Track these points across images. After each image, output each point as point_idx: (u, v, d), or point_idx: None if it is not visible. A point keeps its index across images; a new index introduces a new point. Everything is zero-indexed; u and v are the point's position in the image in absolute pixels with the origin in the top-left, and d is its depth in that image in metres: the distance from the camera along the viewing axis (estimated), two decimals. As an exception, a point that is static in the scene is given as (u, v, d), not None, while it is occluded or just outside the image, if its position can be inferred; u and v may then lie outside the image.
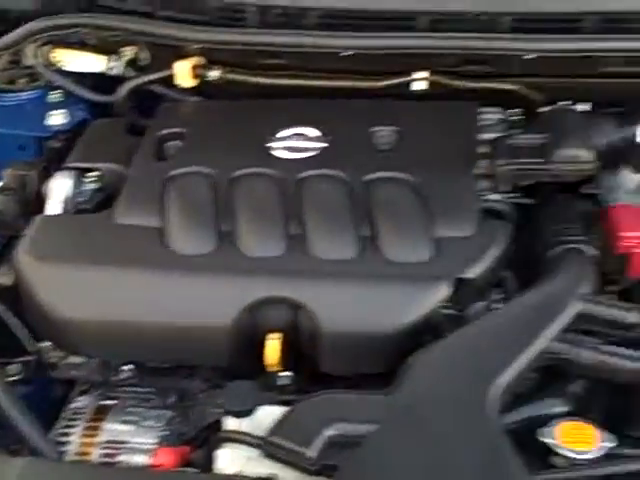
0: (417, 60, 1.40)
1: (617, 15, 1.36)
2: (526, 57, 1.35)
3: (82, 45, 1.53)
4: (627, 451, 1.03)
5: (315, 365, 1.14)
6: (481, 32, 1.37)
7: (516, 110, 1.44)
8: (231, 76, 1.45)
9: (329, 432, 0.96)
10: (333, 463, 0.94)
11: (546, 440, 1.01)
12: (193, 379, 1.22)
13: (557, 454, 1.00)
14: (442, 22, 1.39)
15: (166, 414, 1.18)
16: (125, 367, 1.22)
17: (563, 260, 1.19)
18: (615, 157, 1.38)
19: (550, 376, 1.11)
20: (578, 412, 1.09)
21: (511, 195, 1.33)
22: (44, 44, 1.52)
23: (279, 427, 0.99)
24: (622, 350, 1.06)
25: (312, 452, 0.95)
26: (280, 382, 1.15)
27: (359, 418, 0.97)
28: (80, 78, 1.52)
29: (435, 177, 1.25)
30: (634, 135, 1.40)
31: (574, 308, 1.09)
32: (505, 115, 1.42)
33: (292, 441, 0.96)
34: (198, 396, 1.21)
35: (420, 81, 1.42)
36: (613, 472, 0.98)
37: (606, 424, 1.06)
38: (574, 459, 0.99)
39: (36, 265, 1.18)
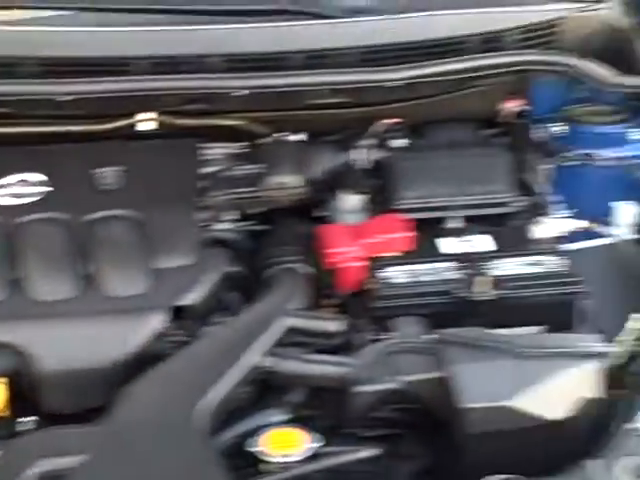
0: (140, 102, 1.46)
1: (320, 52, 1.49)
2: (238, 94, 1.44)
3: None
4: (333, 449, 1.12)
5: (41, 407, 1.16)
6: (197, 73, 1.46)
7: (243, 144, 1.53)
8: None
9: (37, 468, 0.99)
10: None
11: (252, 449, 1.09)
12: None
13: (264, 461, 1.08)
14: (160, 65, 1.47)
15: None
16: None
17: (276, 279, 1.29)
18: (338, 181, 1.51)
19: (270, 389, 1.20)
20: (300, 420, 1.18)
21: (243, 223, 1.44)
22: None
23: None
24: (322, 357, 1.17)
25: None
26: (21, 427, 1.17)
27: (70, 451, 1.01)
28: None
29: (156, 212, 1.32)
30: (349, 160, 1.54)
31: (283, 323, 1.19)
32: (232, 149, 1.51)
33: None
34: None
35: (146, 122, 1.49)
36: (315, 469, 1.07)
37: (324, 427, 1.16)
38: (280, 463, 1.07)
39: None
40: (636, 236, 1.54)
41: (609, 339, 1.27)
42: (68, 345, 1.16)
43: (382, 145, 1.54)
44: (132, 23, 1.46)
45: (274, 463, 1.07)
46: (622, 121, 1.62)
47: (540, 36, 1.59)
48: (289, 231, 1.42)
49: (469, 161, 1.50)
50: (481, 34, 1.54)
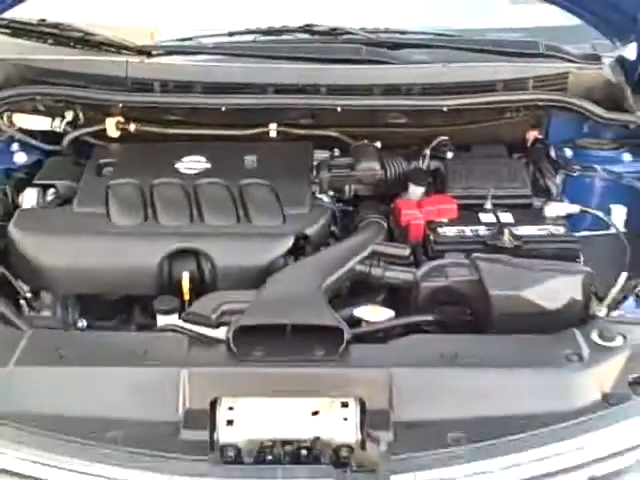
0: (269, 115, 2.23)
1: (393, 85, 2.26)
2: (335, 108, 2.21)
3: (34, 110, 2.28)
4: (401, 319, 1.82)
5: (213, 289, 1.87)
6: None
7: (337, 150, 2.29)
8: (143, 128, 2.24)
9: (222, 307, 1.70)
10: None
11: (356, 314, 1.78)
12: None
13: (364, 320, 1.78)
14: (284, 90, 2.25)
15: None
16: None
17: (366, 226, 2.02)
18: (405, 179, 2.23)
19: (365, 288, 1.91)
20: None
21: (341, 204, 2.18)
22: (5, 111, 2.26)
23: (194, 307, 1.72)
24: (396, 267, 1.88)
25: (213, 316, 1.69)
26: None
27: (240, 300, 1.71)
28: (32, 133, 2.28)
29: (284, 182, 2.06)
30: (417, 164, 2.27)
31: (371, 247, 1.90)
32: (330, 153, 2.27)
33: (201, 310, 1.70)
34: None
35: (273, 130, 2.26)
36: (390, 325, 1.78)
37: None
38: (372, 322, 1.77)
39: (21, 235, 1.90)
40: (625, 230, 2.23)
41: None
42: (231, 252, 1.88)
43: (437, 157, 2.28)
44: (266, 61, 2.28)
45: (369, 321, 1.77)
46: (616, 149, 2.34)
47: (552, 84, 2.35)
48: (374, 205, 2.15)
49: (498, 168, 2.22)
50: (507, 80, 2.30)
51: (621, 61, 2.47)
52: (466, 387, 1.59)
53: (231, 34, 2.39)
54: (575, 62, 2.41)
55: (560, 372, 1.61)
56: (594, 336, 1.69)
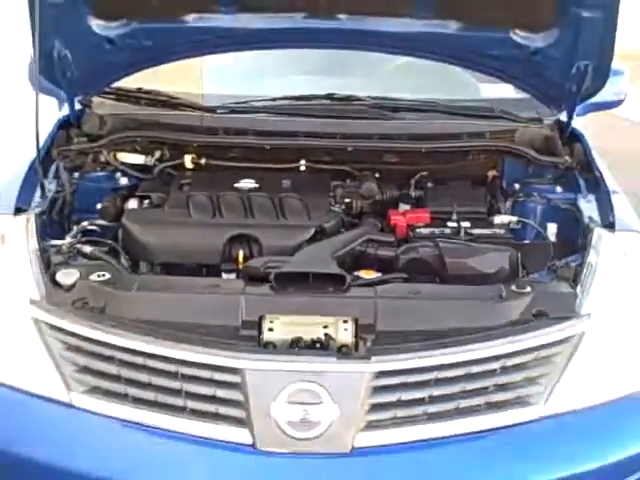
0: (300, 152, 3.23)
1: (389, 134, 3.27)
2: (348, 150, 3.22)
3: (132, 150, 3.31)
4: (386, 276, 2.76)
5: None
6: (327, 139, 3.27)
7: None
8: (210, 162, 3.24)
9: (268, 264, 2.65)
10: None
11: (356, 274, 2.72)
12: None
13: (360, 277, 2.71)
14: (311, 136, 3.25)
15: None
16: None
17: (365, 224, 2.99)
18: (396, 201, 3.22)
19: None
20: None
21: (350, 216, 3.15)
22: (113, 150, 3.29)
23: (249, 263, 2.69)
24: (383, 247, 2.84)
25: (261, 268, 2.64)
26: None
27: (279, 260, 2.67)
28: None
29: (309, 196, 3.03)
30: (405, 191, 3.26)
31: (366, 235, 2.86)
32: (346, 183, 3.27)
33: (254, 265, 2.65)
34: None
35: (302, 165, 3.26)
36: (377, 279, 2.71)
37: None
38: (365, 278, 2.71)
39: (131, 224, 2.89)
40: (555, 240, 3.16)
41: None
42: (273, 237, 2.84)
43: (419, 187, 3.26)
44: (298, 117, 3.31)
45: (363, 278, 2.71)
46: (552, 184, 3.31)
47: (504, 137, 3.34)
48: (372, 216, 3.12)
49: (463, 194, 3.19)
50: (470, 132, 3.30)
51: (558, 122, 3.46)
52: (423, 311, 2.53)
53: (274, 99, 3.43)
54: (521, 122, 3.41)
55: (485, 303, 2.55)
56: (512, 287, 2.62)
